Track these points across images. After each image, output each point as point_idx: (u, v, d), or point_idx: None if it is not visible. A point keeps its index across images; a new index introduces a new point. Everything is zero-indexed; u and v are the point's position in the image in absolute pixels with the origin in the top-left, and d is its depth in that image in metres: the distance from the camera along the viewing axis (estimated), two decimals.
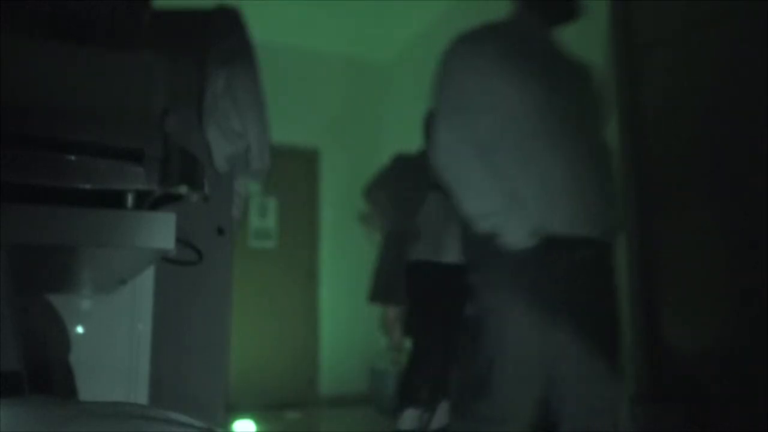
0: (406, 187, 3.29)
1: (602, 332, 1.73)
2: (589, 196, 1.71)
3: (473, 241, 1.78)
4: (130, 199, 0.84)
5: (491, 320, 1.76)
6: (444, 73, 1.85)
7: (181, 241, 0.90)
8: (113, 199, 0.83)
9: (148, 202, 0.87)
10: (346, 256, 5.54)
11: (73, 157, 0.80)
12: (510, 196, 1.66)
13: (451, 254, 3.22)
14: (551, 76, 1.78)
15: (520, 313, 1.66)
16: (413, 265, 3.20)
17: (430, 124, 3.48)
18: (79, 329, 1.39)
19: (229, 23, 1.79)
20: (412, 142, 5.24)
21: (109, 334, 1.43)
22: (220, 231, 1.77)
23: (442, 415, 3.15)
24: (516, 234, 1.64)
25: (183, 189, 0.88)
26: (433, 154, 1.78)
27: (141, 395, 1.43)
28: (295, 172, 5.51)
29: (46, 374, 1.30)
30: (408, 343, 5.03)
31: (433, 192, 3.25)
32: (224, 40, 1.76)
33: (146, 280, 1.46)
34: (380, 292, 3.31)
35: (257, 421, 4.17)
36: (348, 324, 5.42)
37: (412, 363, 3.19)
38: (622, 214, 2.16)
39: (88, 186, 0.81)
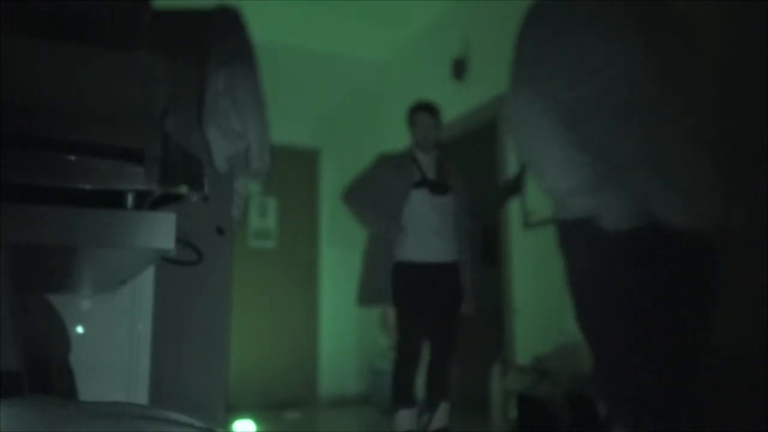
0: (389, 187, 3.26)
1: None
2: (703, 181, 1.42)
3: (563, 225, 1.54)
4: (130, 199, 0.84)
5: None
6: (523, 35, 1.56)
7: (181, 241, 0.90)
8: (113, 199, 0.83)
9: (148, 202, 0.87)
10: (346, 256, 5.54)
11: (73, 157, 0.80)
12: (606, 172, 1.40)
13: (436, 253, 3.22)
14: (661, 39, 1.47)
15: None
16: (398, 266, 3.19)
17: (412, 118, 3.44)
18: (79, 329, 1.39)
19: (229, 23, 1.79)
20: None
21: (109, 334, 1.43)
22: (220, 231, 1.77)
23: (442, 415, 3.14)
24: (616, 213, 1.39)
25: (183, 189, 0.88)
26: (510, 128, 1.55)
27: (141, 395, 1.43)
28: (295, 172, 5.51)
29: (46, 374, 1.30)
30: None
31: (417, 191, 3.23)
32: (224, 40, 1.76)
33: (146, 280, 1.46)
34: (367, 294, 3.29)
35: (257, 421, 4.17)
36: (348, 324, 5.42)
37: (399, 364, 3.18)
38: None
39: (88, 186, 0.81)
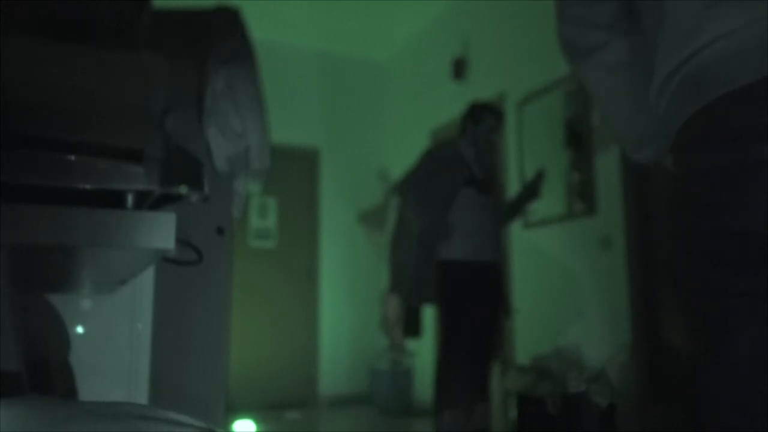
0: (438, 184, 3.19)
1: None
2: None
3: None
4: (130, 199, 0.84)
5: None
6: None
7: (181, 241, 0.90)
8: (113, 199, 0.83)
9: (148, 202, 0.87)
10: (346, 256, 5.54)
11: (73, 157, 0.80)
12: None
13: (484, 253, 3.17)
14: None
15: None
16: (445, 264, 3.13)
17: (476, 117, 3.30)
18: (79, 329, 1.39)
19: (229, 23, 1.79)
20: (412, 142, 5.24)
21: (109, 334, 1.42)
22: (220, 231, 1.77)
23: (480, 416, 3.10)
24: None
25: (183, 189, 0.88)
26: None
27: (141, 395, 1.43)
28: (295, 172, 5.51)
29: (46, 374, 1.30)
30: (410, 343, 5.03)
31: (465, 189, 3.17)
32: (224, 40, 1.76)
33: (146, 280, 1.46)
34: (421, 294, 3.23)
35: (257, 421, 4.17)
36: (348, 324, 5.42)
37: (447, 364, 3.11)
38: None
39: (88, 186, 0.81)
